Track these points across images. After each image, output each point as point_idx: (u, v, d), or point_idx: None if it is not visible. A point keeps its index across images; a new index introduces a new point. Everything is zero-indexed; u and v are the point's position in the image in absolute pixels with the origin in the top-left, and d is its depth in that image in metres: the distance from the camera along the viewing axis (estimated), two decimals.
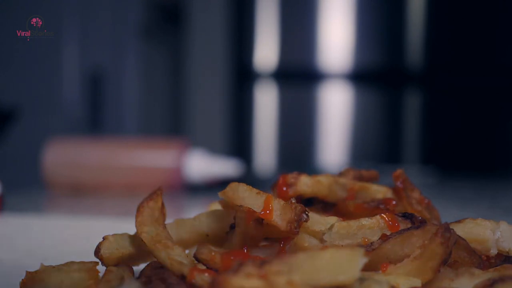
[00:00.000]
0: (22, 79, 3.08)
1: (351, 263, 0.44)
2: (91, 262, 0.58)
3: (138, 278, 0.59)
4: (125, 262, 0.61)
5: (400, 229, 0.57)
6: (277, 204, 0.57)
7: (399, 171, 0.68)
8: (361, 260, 0.44)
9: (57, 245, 0.85)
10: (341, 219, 0.60)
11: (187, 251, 0.62)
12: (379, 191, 0.69)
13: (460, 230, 0.58)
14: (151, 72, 3.53)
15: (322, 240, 0.59)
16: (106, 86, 3.28)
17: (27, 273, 0.56)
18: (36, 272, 0.56)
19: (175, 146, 1.57)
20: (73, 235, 0.92)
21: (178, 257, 0.56)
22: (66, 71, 3.18)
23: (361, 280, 0.47)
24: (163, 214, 0.62)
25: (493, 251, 0.58)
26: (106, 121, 3.30)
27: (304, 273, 0.43)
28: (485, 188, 1.95)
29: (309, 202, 0.67)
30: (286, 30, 3.18)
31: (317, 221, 0.59)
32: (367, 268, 0.51)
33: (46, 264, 0.58)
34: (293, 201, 0.58)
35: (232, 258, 0.56)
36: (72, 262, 0.59)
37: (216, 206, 0.70)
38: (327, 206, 0.68)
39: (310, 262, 0.44)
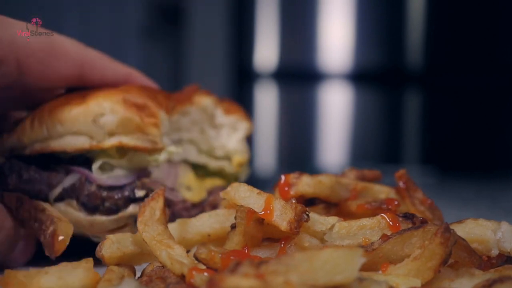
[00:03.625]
0: None
1: (348, 263, 0.44)
2: (88, 259, 0.58)
3: (140, 277, 0.59)
4: (127, 261, 0.61)
5: (401, 229, 0.57)
6: (277, 204, 0.57)
7: (401, 171, 0.68)
8: (359, 260, 0.44)
9: None
10: (341, 219, 0.60)
11: (189, 251, 0.62)
12: (382, 191, 0.69)
13: (461, 230, 0.58)
14: (151, 72, 3.52)
15: (322, 240, 0.59)
16: None
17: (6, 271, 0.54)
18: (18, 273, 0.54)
19: None
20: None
21: (178, 257, 0.56)
22: None
23: (360, 280, 0.47)
24: (164, 214, 0.62)
25: (494, 252, 0.58)
26: None
27: (301, 273, 0.43)
28: (485, 188, 1.95)
29: (311, 202, 0.67)
30: (286, 30, 3.18)
31: (318, 221, 0.59)
32: (367, 268, 0.50)
33: (45, 264, 0.58)
34: (293, 201, 0.58)
35: (232, 258, 0.56)
36: (72, 263, 0.58)
37: None
38: (329, 206, 0.68)
39: (307, 262, 0.44)
